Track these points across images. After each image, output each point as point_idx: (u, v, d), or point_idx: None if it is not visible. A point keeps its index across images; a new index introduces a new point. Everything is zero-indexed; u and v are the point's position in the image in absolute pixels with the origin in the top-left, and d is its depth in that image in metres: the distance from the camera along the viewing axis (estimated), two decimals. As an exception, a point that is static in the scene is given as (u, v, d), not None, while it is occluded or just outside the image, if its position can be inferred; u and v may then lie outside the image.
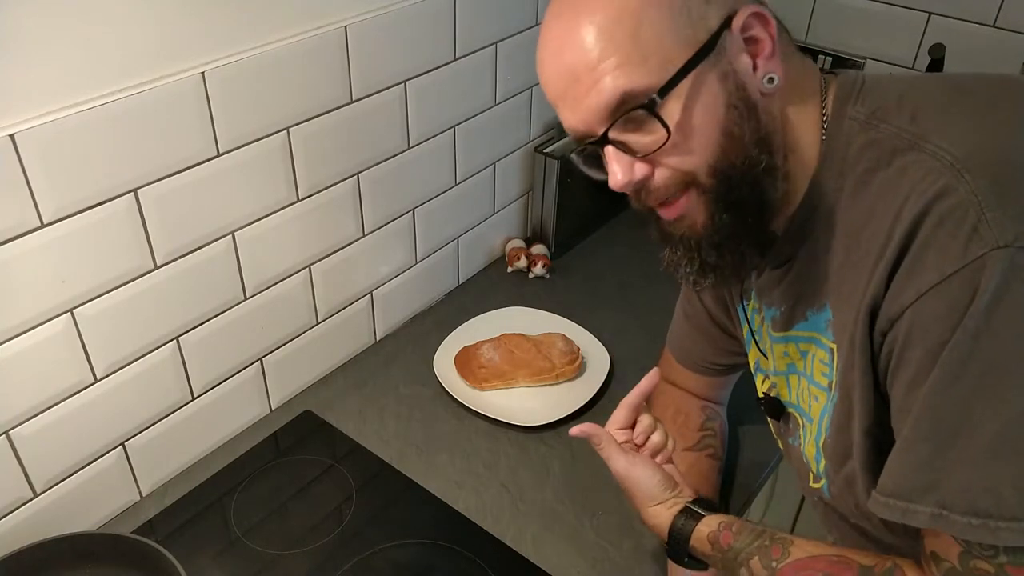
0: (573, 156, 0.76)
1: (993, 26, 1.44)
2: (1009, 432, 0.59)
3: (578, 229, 1.59)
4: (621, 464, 0.89)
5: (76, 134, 0.83)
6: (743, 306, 0.91)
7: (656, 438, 0.92)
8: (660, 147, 0.66)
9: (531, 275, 1.50)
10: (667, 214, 0.73)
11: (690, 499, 0.89)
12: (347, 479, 1.11)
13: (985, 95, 0.68)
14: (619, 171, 0.69)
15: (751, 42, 0.67)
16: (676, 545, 0.87)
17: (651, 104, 0.65)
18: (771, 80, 0.67)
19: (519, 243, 1.55)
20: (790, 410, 0.87)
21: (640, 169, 0.69)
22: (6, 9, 0.75)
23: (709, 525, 0.85)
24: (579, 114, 0.68)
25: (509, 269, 1.50)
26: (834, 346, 0.74)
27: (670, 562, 0.94)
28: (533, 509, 1.07)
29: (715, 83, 0.66)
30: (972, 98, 0.68)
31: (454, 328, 1.34)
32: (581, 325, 1.34)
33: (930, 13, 1.50)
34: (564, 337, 1.28)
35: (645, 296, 1.44)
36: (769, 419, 0.93)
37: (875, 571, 0.73)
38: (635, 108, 0.65)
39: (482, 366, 1.24)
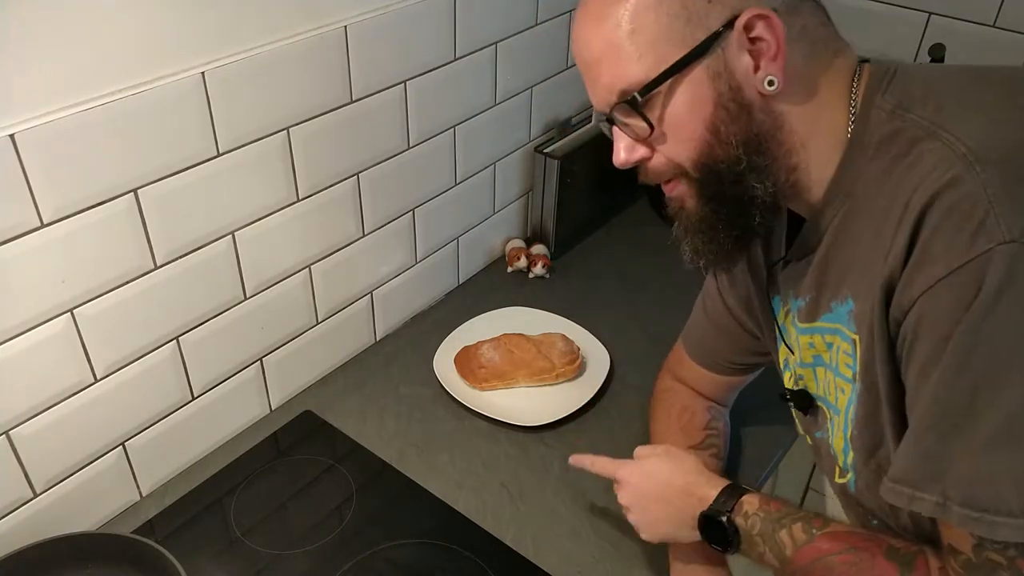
0: (602, 124, 0.80)
1: (993, 26, 1.44)
2: (1010, 425, 0.60)
3: (578, 229, 1.59)
4: (649, 451, 0.95)
5: (76, 134, 0.83)
6: (772, 299, 0.90)
7: None
8: (645, 138, 0.73)
9: (531, 275, 1.50)
10: (667, 190, 0.79)
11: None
12: (347, 479, 1.11)
13: (1011, 89, 0.69)
14: (621, 150, 0.76)
15: (755, 42, 0.68)
16: (715, 513, 0.85)
17: (633, 101, 0.71)
18: (771, 83, 0.68)
19: (519, 243, 1.55)
20: (818, 403, 0.87)
21: (640, 151, 0.75)
22: (6, 9, 0.75)
23: (757, 494, 0.86)
24: (592, 96, 0.76)
25: (509, 269, 1.50)
26: (856, 337, 0.74)
27: (673, 562, 0.94)
28: (533, 509, 1.07)
29: (705, 82, 0.69)
30: (996, 91, 0.68)
31: (454, 328, 1.34)
32: (581, 325, 1.34)
33: (930, 13, 1.49)
34: (564, 337, 1.28)
35: (645, 296, 1.44)
36: (796, 413, 0.92)
37: (900, 552, 0.74)
38: (622, 103, 0.71)
39: (482, 366, 1.24)
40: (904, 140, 0.67)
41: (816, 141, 0.72)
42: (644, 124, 0.71)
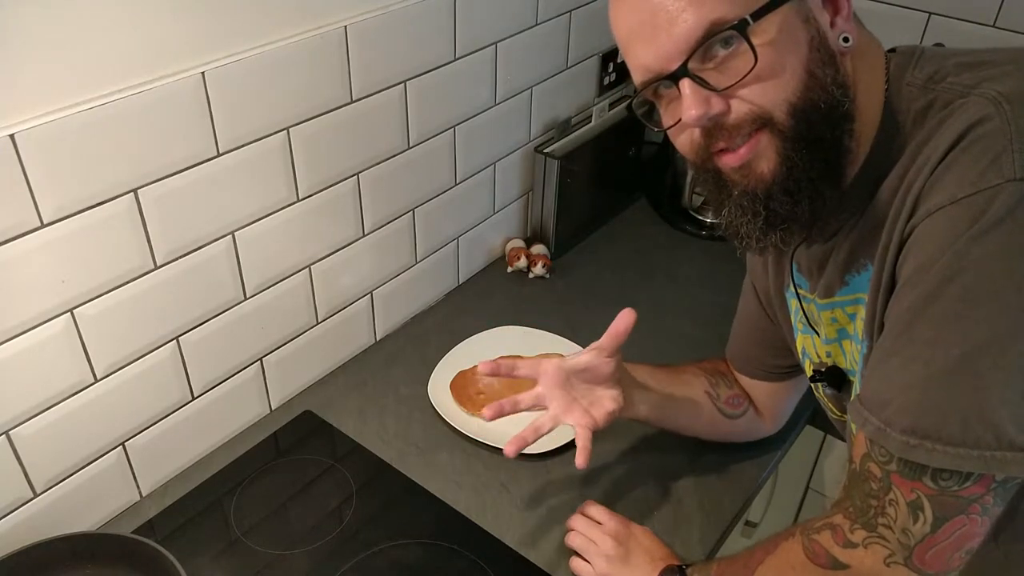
0: (633, 104, 0.75)
1: (993, 26, 1.44)
2: (971, 360, 0.60)
3: (578, 229, 1.59)
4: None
5: (76, 134, 0.83)
6: (792, 282, 0.89)
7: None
8: (745, 76, 0.66)
9: (531, 275, 1.50)
10: (732, 161, 0.71)
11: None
12: (347, 479, 1.11)
13: None
14: (695, 104, 0.67)
15: (829, 1, 0.69)
16: None
17: (743, 25, 0.65)
18: (846, 39, 0.69)
19: (519, 243, 1.55)
20: (851, 377, 0.86)
21: (716, 104, 0.68)
22: (6, 9, 0.75)
23: (698, 567, 0.90)
24: (657, 46, 0.68)
25: (509, 269, 1.50)
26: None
27: None
28: (533, 509, 1.07)
29: (799, 24, 0.67)
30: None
31: (453, 329, 1.34)
32: (577, 340, 1.29)
33: (930, 13, 1.49)
34: (562, 357, 1.24)
35: (645, 296, 1.44)
36: (828, 395, 0.91)
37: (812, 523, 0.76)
38: (726, 30, 0.65)
39: (480, 392, 1.20)
40: (938, 107, 0.67)
41: (862, 115, 0.71)
42: (743, 62, 0.66)
